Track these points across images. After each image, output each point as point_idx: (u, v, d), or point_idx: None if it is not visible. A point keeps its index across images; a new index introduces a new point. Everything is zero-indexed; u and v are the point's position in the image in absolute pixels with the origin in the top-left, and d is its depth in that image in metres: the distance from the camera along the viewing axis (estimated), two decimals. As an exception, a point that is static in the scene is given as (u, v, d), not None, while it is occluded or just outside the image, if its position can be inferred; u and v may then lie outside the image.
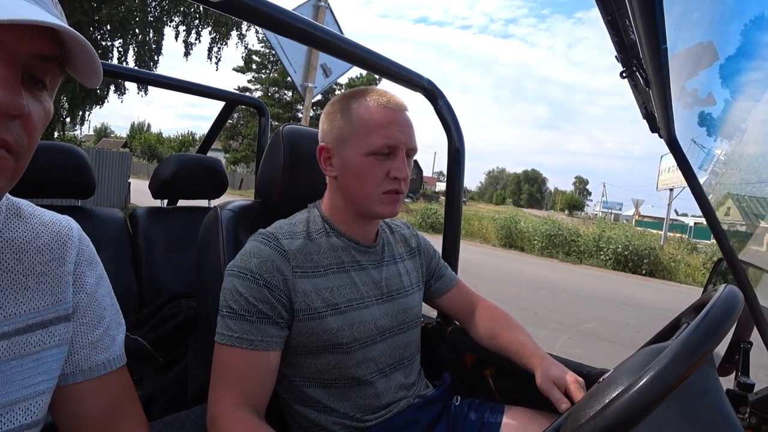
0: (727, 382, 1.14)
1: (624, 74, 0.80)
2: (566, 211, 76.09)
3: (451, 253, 1.57)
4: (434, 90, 1.53)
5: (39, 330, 0.62)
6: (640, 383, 0.54)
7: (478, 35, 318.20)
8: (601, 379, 0.80)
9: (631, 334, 5.53)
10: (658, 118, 0.96)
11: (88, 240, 0.73)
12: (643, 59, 0.69)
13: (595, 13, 0.67)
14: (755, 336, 1.15)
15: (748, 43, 1.10)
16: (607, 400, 0.59)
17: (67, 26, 0.50)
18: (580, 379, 1.04)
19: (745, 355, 1.14)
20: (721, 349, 1.18)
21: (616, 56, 0.75)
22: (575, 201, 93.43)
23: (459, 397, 1.24)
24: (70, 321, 0.67)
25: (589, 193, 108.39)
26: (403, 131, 1.00)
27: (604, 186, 72.91)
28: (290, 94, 32.19)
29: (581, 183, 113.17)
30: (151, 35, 11.50)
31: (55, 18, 0.50)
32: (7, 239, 0.62)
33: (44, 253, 0.65)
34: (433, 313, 1.53)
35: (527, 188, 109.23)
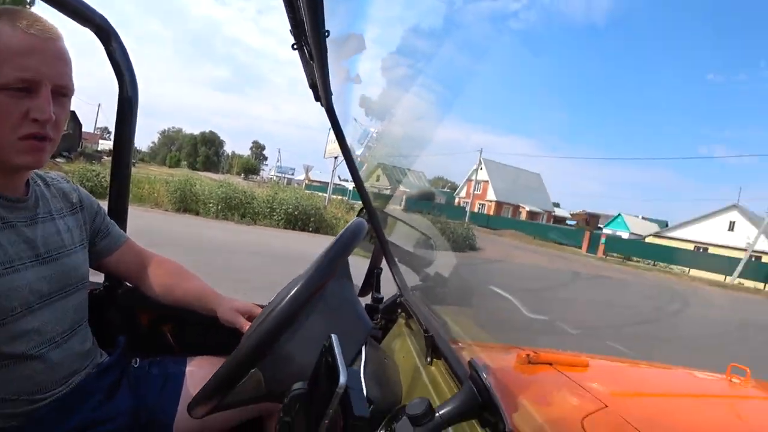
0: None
1: (294, 47, 0.92)
2: (242, 175, 77.49)
3: (118, 210, 1.44)
4: (108, 28, 1.33)
5: None
6: (291, 293, 0.69)
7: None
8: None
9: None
10: (320, 89, 1.13)
11: None
12: (310, 36, 0.81)
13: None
14: (384, 264, 1.55)
15: (404, 43, 1.40)
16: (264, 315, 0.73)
17: None
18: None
19: (377, 277, 1.54)
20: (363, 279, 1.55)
21: (290, 30, 0.85)
22: (251, 165, 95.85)
23: (138, 359, 1.21)
24: None
25: (266, 158, 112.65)
26: (50, 64, 0.84)
27: (279, 152, 77.46)
28: None
29: (258, 148, 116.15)
30: None
31: None
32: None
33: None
34: (99, 279, 1.42)
35: (204, 151, 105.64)
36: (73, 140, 39.77)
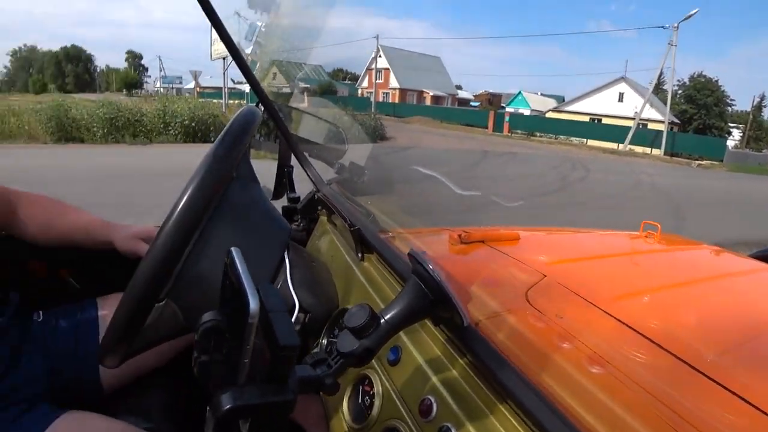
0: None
1: None
2: (124, 91, 70.17)
3: None
4: None
5: None
6: (182, 201, 0.57)
7: None
8: None
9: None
10: None
11: None
12: None
13: None
14: (295, 162, 1.44)
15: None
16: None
17: None
18: None
19: (289, 176, 1.44)
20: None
21: None
22: (132, 78, 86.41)
23: (41, 312, 1.05)
24: None
25: (146, 69, 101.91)
26: None
27: (160, 60, 69.82)
28: None
29: (135, 58, 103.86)
30: None
31: None
32: None
33: None
34: None
35: (72, 69, 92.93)
36: None
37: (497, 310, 0.76)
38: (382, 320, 0.58)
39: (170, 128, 13.77)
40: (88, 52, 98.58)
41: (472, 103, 60.82)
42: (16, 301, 1.03)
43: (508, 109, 44.28)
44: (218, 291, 0.53)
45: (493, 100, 62.40)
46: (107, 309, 1.06)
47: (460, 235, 1.06)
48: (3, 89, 78.19)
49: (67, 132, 13.54)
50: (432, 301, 0.59)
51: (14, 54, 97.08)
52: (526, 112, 43.73)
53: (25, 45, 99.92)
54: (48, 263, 1.23)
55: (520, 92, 50.27)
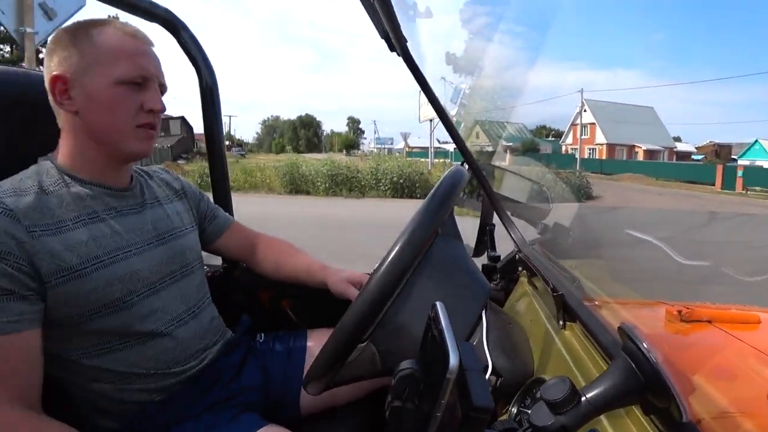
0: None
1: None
2: (344, 151, 79.45)
3: (223, 197, 1.49)
4: (174, 20, 1.34)
5: None
6: (392, 254, 0.60)
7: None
8: None
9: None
10: (391, 35, 1.03)
11: None
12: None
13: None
14: (497, 220, 1.44)
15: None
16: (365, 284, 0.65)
17: None
18: None
19: (490, 234, 1.44)
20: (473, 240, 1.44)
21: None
22: (351, 141, 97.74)
23: (263, 335, 1.25)
24: None
25: (363, 132, 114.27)
26: (154, 64, 0.95)
27: (374, 124, 78.09)
28: (8, 49, 26.20)
29: (354, 123, 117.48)
30: None
31: None
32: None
33: None
34: (217, 262, 1.48)
35: (304, 133, 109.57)
36: (187, 143, 43.40)
37: (728, 409, 0.64)
38: (584, 398, 0.53)
39: (381, 184, 15.15)
40: (317, 119, 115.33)
41: (694, 157, 53.82)
42: (246, 322, 1.24)
43: (741, 162, 37.79)
44: (414, 341, 0.56)
45: (720, 152, 54.33)
46: (314, 341, 1.21)
47: (680, 312, 0.93)
48: (254, 150, 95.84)
49: (297, 185, 15.95)
50: (644, 385, 0.52)
51: (263, 122, 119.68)
52: (766, 164, 36.66)
53: (271, 115, 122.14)
54: (272, 294, 1.45)
55: (756, 141, 42.63)
